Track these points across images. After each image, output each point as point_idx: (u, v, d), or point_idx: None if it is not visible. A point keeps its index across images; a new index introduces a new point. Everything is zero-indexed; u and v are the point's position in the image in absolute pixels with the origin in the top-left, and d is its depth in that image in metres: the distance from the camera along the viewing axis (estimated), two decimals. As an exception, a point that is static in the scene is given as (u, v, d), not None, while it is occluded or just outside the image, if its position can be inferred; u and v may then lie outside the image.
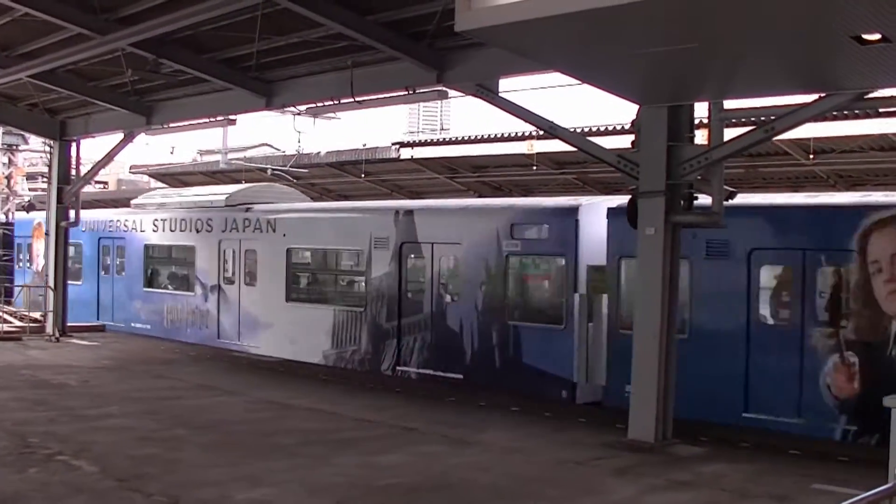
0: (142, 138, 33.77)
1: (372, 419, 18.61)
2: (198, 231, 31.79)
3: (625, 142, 18.37)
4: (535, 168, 31.76)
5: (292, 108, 26.35)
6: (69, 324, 32.96)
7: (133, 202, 37.02)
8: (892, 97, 16.86)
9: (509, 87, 20.35)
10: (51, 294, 32.55)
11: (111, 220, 36.28)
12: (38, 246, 38.66)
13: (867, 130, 24.13)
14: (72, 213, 32.64)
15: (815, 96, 15.59)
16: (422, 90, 21.09)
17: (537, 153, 30.42)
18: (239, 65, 23.56)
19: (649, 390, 16.63)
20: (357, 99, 21.76)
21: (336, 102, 22.59)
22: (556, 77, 19.03)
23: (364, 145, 39.55)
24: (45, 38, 23.19)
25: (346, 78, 21.49)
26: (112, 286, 35.88)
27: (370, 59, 21.18)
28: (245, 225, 29.86)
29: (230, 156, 48.15)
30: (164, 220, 33.49)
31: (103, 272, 36.44)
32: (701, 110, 17.64)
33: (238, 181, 42.77)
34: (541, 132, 23.81)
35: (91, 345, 30.30)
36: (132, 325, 34.19)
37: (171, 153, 51.94)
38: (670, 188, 16.58)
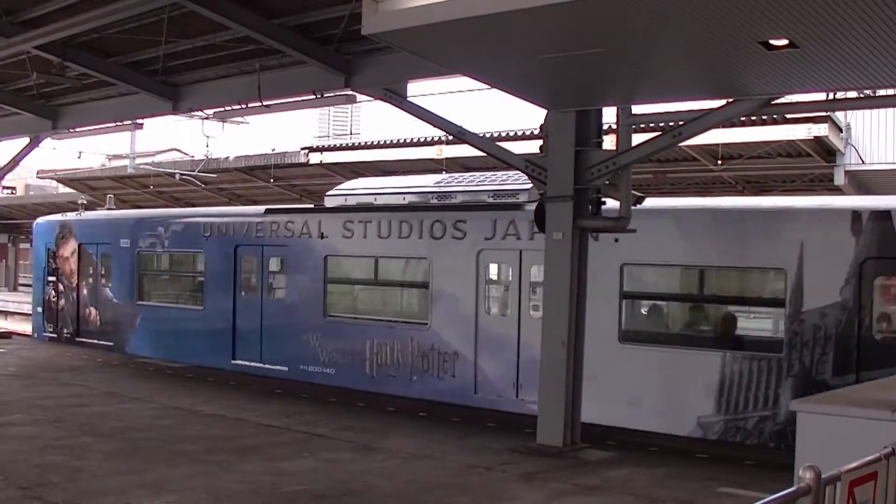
0: (48, 142, 33.28)
1: (278, 425, 18.56)
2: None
3: (533, 147, 18.46)
4: (443, 173, 31.78)
5: (200, 112, 26.11)
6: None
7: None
8: (798, 103, 17.10)
9: (418, 91, 20.36)
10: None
11: None
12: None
13: (774, 136, 24.43)
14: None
15: (722, 102, 15.75)
16: (330, 94, 20.93)
17: (446, 158, 30.50)
18: (145, 68, 23.26)
19: (557, 395, 16.66)
20: (265, 103, 21.56)
21: (244, 106, 22.44)
22: (466, 81, 19.04)
23: (273, 150, 39.54)
24: (-53, 39, 22.81)
25: (253, 82, 21.29)
26: None
27: (277, 63, 21.03)
28: None
29: (138, 161, 47.57)
30: None
31: None
32: (609, 115, 17.74)
33: (146, 186, 42.35)
34: (450, 137, 23.79)
35: (-4, 352, 29.82)
36: None
37: (79, 157, 51.32)
38: (578, 193, 16.62)
